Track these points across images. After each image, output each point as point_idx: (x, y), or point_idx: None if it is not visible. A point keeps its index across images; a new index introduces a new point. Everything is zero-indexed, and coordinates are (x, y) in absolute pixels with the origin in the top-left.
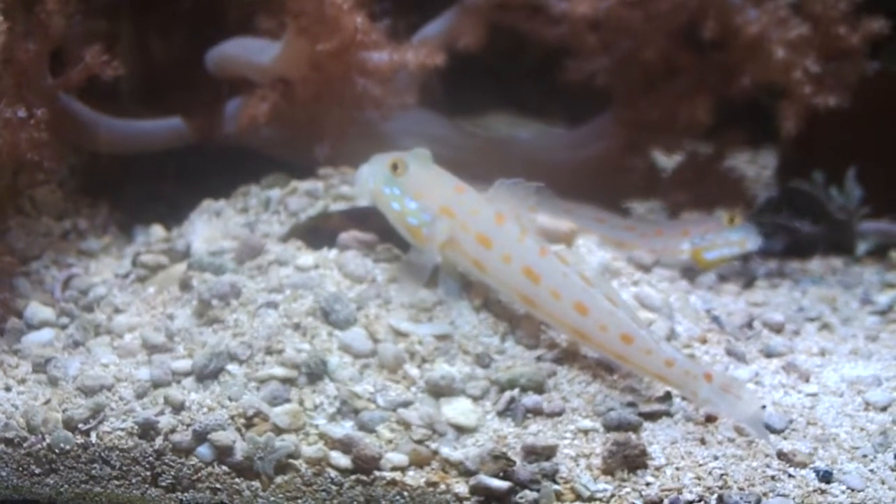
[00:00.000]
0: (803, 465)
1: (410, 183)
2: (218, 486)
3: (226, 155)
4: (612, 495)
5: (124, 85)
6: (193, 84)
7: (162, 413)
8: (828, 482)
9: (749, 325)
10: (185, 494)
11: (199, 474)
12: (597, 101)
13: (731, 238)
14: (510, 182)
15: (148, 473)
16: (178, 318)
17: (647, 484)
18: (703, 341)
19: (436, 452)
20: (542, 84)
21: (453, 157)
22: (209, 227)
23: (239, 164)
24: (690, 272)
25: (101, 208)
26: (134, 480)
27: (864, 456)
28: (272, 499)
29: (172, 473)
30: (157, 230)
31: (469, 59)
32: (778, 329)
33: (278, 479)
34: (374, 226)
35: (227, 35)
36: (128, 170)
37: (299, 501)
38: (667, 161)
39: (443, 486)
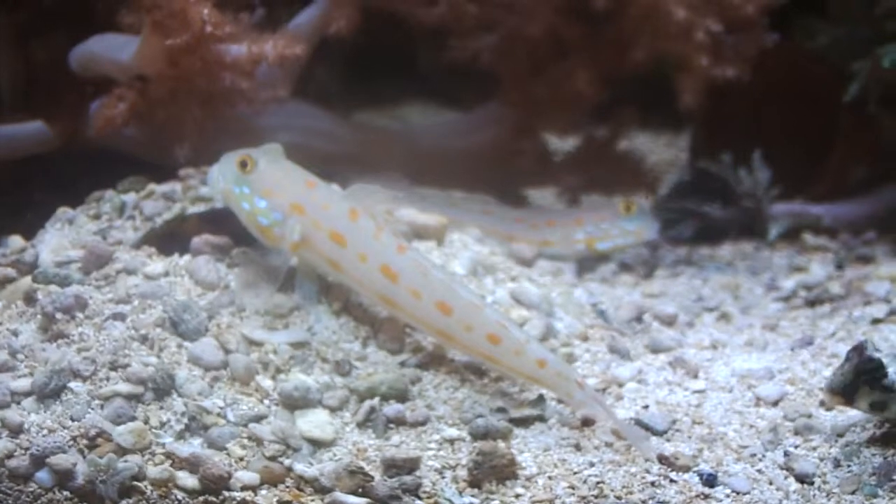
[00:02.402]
0: (686, 469)
1: (259, 180)
2: None
3: (98, 158)
4: None
5: (3, 90)
6: (58, 84)
7: None
8: (712, 486)
9: (638, 318)
10: None
11: (39, 501)
12: None
13: (627, 227)
14: (366, 186)
15: None
16: (22, 333)
17: (517, 496)
18: (585, 338)
19: (289, 469)
20: (462, 73)
21: (337, 151)
22: (59, 237)
23: (112, 167)
24: (588, 262)
25: None
26: None
27: (753, 455)
28: None
29: (10, 502)
30: (16, 241)
31: (387, 50)
32: (669, 322)
33: (123, 503)
34: (232, 229)
35: (94, 32)
36: None
37: None
38: (564, 146)
39: None
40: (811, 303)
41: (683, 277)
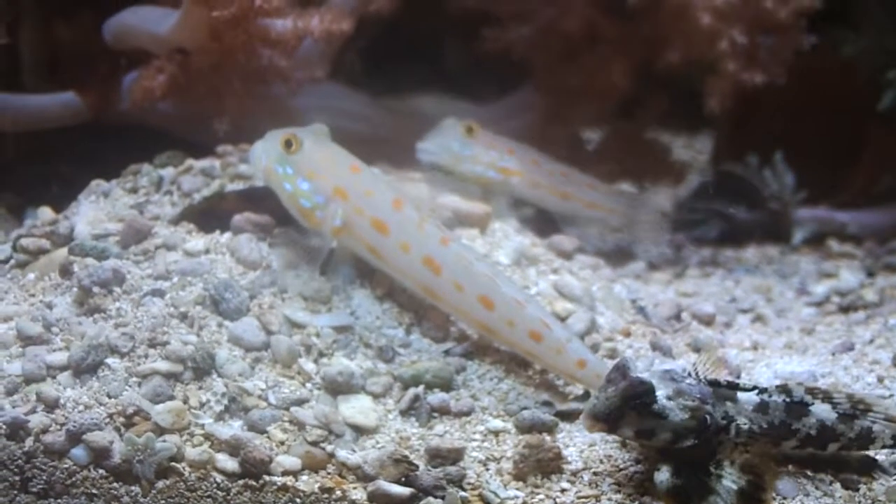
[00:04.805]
0: None
1: (304, 161)
2: (94, 491)
3: (128, 132)
4: (524, 503)
5: (26, 59)
6: (89, 56)
7: (33, 411)
8: None
9: (677, 316)
10: (59, 501)
11: (74, 479)
12: None
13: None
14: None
15: (17, 478)
16: (57, 306)
17: (563, 490)
18: (627, 334)
19: (332, 455)
20: (486, 70)
21: (369, 134)
22: (95, 209)
23: (142, 141)
24: (616, 258)
25: None
26: (1, 486)
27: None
28: None
29: (44, 478)
30: (46, 212)
31: (410, 42)
32: (708, 321)
33: (160, 484)
34: (272, 207)
35: (126, 4)
36: (18, 148)
37: None
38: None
39: (338, 493)
40: (845, 309)
41: (715, 278)
